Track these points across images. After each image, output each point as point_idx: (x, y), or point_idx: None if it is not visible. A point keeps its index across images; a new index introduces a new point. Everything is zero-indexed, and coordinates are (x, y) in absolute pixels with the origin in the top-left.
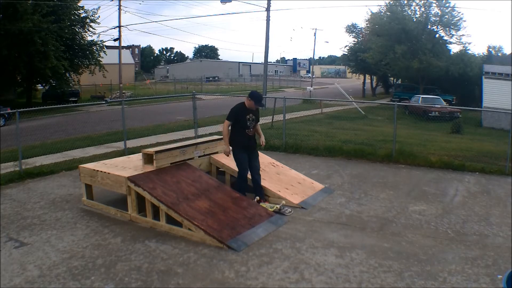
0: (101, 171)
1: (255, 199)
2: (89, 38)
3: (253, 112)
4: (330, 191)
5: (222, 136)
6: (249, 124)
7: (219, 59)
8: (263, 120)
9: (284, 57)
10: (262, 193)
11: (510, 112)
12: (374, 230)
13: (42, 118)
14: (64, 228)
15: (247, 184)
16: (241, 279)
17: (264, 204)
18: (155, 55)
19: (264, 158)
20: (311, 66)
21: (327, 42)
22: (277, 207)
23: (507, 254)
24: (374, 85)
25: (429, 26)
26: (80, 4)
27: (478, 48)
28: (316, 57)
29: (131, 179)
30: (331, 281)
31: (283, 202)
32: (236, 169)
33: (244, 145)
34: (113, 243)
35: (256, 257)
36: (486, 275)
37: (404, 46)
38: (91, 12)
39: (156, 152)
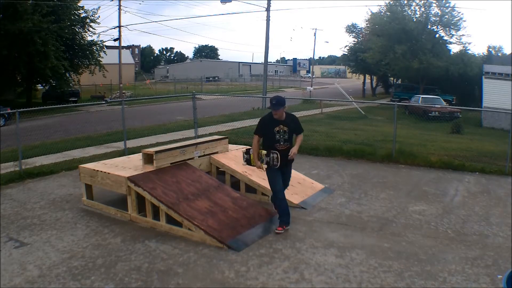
0: (101, 171)
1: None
2: (89, 38)
3: (283, 122)
4: (330, 191)
5: (222, 136)
6: (279, 137)
7: (219, 59)
8: None
9: (284, 57)
10: (284, 220)
11: (510, 112)
12: (374, 230)
13: (42, 118)
14: (64, 228)
15: (285, 202)
16: (241, 279)
17: None
18: (155, 55)
19: None
20: (311, 66)
21: (327, 42)
22: None
23: (507, 254)
24: (374, 85)
25: (429, 26)
26: (80, 4)
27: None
28: (316, 57)
29: (131, 179)
30: (331, 281)
31: None
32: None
33: None
34: (113, 243)
35: (256, 257)
36: (486, 275)
37: (404, 46)
38: (91, 12)
39: (156, 152)
